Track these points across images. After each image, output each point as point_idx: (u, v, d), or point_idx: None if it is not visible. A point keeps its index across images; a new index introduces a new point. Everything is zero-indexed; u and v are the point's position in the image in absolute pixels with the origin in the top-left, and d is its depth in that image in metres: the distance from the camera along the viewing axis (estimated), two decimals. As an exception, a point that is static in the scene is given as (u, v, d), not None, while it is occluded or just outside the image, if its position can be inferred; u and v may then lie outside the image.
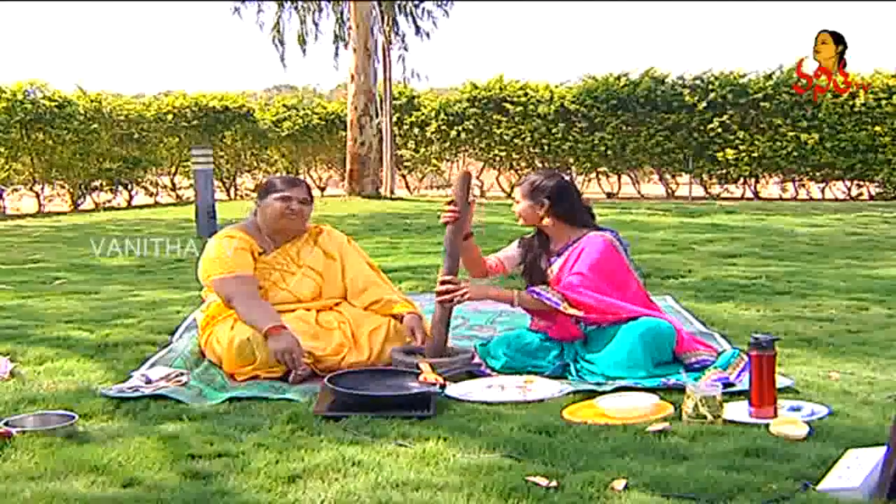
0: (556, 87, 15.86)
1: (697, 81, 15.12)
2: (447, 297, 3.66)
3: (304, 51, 16.25)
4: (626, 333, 3.56)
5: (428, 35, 16.29)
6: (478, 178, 17.30)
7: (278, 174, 15.02)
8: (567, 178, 4.03)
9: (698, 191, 15.59)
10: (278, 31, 16.20)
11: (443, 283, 3.67)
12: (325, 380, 3.30)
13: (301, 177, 17.78)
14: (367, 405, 3.14)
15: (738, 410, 3.02)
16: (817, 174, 15.06)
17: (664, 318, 3.76)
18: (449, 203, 3.75)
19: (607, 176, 16.25)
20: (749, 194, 15.45)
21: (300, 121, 17.24)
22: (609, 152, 15.51)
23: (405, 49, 16.17)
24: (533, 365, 3.68)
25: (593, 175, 16.13)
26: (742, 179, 15.40)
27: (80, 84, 15.67)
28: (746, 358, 3.22)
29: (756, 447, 2.68)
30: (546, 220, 3.82)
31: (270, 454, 2.70)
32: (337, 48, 16.25)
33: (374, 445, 2.78)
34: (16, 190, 15.27)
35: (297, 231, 4.07)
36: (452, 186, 3.80)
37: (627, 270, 3.79)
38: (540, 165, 16.14)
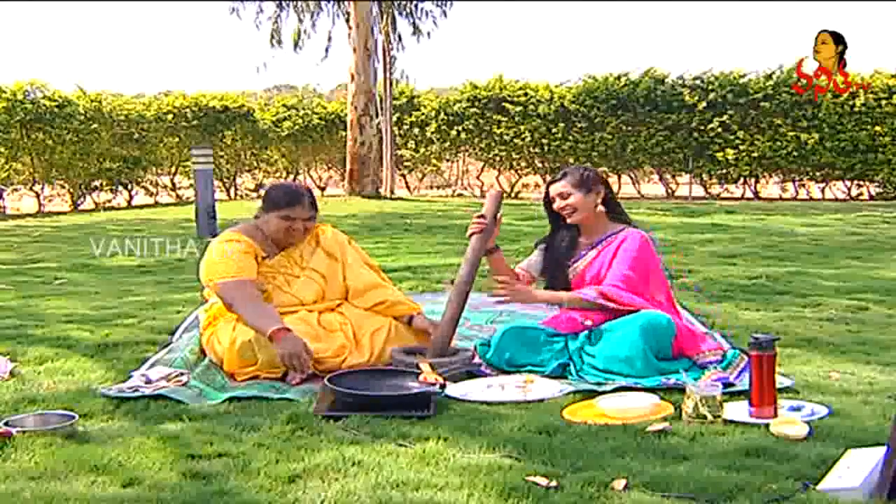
0: (556, 87, 15.86)
1: (697, 81, 15.12)
2: (505, 299, 3.74)
3: (300, 49, 16.20)
4: (626, 326, 3.57)
5: (429, 35, 16.28)
6: (478, 178, 17.31)
7: (282, 182, 14.83)
8: None
9: (698, 191, 15.59)
10: (276, 31, 16.16)
11: (499, 282, 3.74)
12: (325, 380, 3.29)
13: (303, 178, 17.82)
14: (367, 405, 3.14)
15: (738, 410, 3.02)
16: (817, 174, 15.06)
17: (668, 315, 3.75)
18: (478, 216, 3.81)
19: (607, 176, 16.22)
20: (749, 194, 15.46)
21: (300, 121, 17.24)
22: (609, 152, 15.51)
23: (398, 50, 16.15)
24: (534, 363, 3.67)
25: (593, 175, 16.11)
26: (742, 179, 15.41)
27: (80, 84, 15.72)
28: (746, 358, 3.23)
29: (756, 447, 2.68)
30: (600, 208, 3.85)
31: (270, 454, 2.70)
32: (327, 49, 16.24)
33: (374, 445, 2.78)
34: (16, 190, 15.28)
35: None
36: (485, 202, 3.90)
37: (661, 272, 3.85)
38: (540, 165, 16.16)
